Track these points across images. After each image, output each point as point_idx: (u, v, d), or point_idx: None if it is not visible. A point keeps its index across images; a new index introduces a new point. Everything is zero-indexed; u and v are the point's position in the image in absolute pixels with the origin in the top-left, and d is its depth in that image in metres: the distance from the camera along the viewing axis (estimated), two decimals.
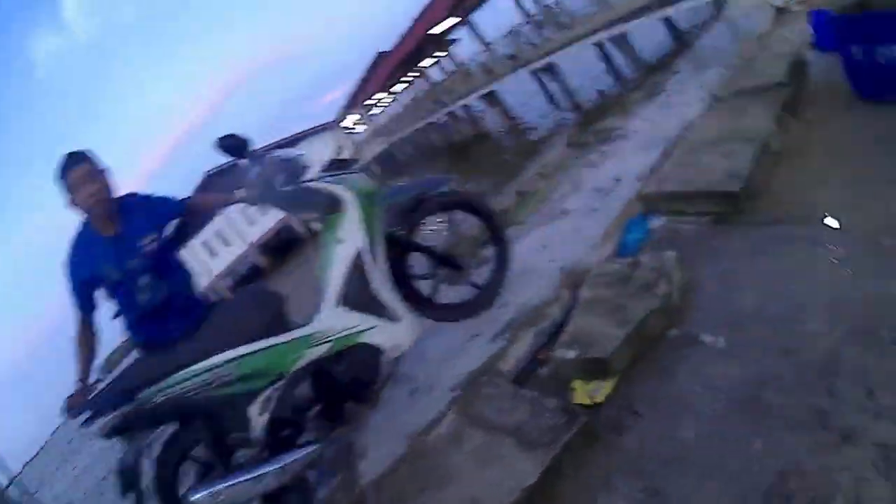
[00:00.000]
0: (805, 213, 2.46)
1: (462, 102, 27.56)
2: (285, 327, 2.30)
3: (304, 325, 2.34)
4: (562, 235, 3.39)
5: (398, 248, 2.79)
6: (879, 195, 2.31)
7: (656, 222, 3.13)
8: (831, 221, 2.27)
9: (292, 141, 41.30)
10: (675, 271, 2.38)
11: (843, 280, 1.99)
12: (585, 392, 2.14)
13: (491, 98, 23.88)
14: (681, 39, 16.67)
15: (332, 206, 2.50)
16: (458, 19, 22.36)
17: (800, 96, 3.42)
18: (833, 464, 1.42)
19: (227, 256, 33.36)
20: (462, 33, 29.61)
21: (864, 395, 1.55)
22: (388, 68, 30.39)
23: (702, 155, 3.07)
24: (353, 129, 44.20)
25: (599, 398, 2.07)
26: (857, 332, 1.74)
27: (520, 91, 30.25)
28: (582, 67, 24.28)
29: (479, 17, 23.52)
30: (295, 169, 2.50)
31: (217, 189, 3.31)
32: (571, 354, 2.19)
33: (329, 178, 2.56)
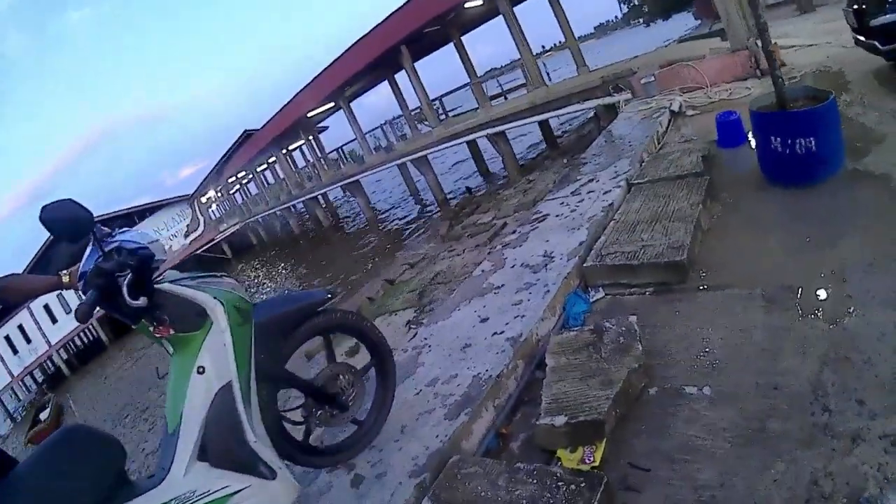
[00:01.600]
0: (745, 278, 2.85)
1: (325, 190, 27.58)
2: (127, 492, 1.76)
3: (151, 489, 1.79)
4: (500, 309, 3.41)
5: (267, 382, 2.31)
6: (810, 259, 2.81)
7: (597, 295, 3.28)
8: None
9: (148, 209, 38.16)
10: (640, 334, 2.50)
11: (801, 324, 2.35)
12: (575, 459, 2.08)
13: (356, 188, 24.17)
14: (553, 143, 18.37)
15: (193, 321, 1.98)
16: (332, 105, 22.71)
17: (715, 183, 3.96)
18: (853, 461, 1.67)
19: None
20: (334, 120, 30.28)
21: (855, 404, 1.85)
22: (253, 148, 30.04)
23: (640, 233, 3.32)
24: (210, 205, 42.21)
25: (595, 462, 2.03)
26: (829, 361, 2.09)
27: (385, 182, 31.24)
28: (452, 164, 25.74)
29: (356, 105, 24.13)
30: (147, 263, 1.93)
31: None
32: (561, 421, 2.15)
33: (189, 282, 2.04)
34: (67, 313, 34.66)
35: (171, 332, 1.93)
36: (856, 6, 5.17)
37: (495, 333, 3.15)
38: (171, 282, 1.99)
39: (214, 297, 2.00)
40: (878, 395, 1.85)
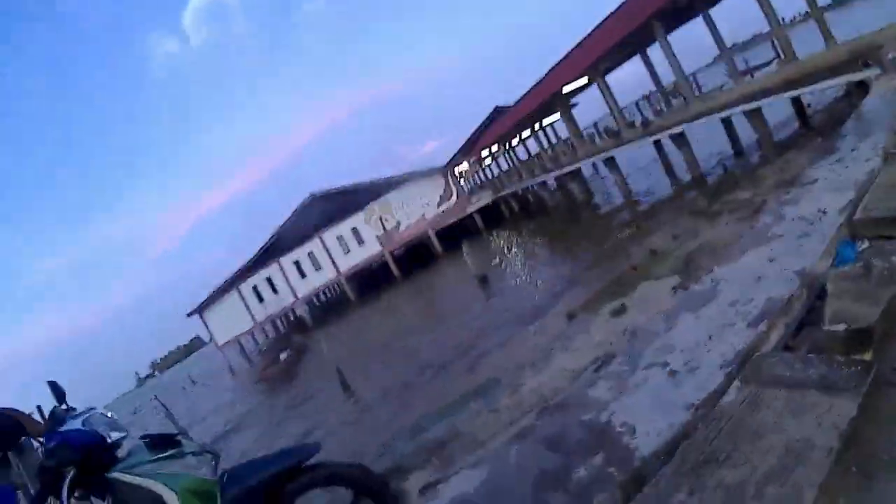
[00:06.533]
0: None
1: (580, 164, 28.27)
2: None
3: None
4: (785, 252, 4.23)
5: None
6: None
7: (863, 245, 3.92)
8: None
9: (404, 178, 40.76)
10: None
11: None
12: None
13: (611, 163, 24.49)
14: (806, 120, 17.05)
15: None
16: (586, 80, 23.36)
17: None
18: None
19: None
20: (581, 98, 30.74)
21: None
22: (505, 124, 31.61)
23: None
24: (461, 178, 44.94)
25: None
26: None
27: (637, 159, 30.71)
28: (702, 141, 24.71)
29: (609, 79, 24.32)
30: (96, 452, 2.00)
31: None
32: (840, 328, 2.96)
33: (145, 466, 2.05)
34: (317, 270, 40.64)
35: None
36: None
37: (783, 269, 3.98)
38: (122, 470, 2.03)
39: (167, 485, 1.99)
40: None
